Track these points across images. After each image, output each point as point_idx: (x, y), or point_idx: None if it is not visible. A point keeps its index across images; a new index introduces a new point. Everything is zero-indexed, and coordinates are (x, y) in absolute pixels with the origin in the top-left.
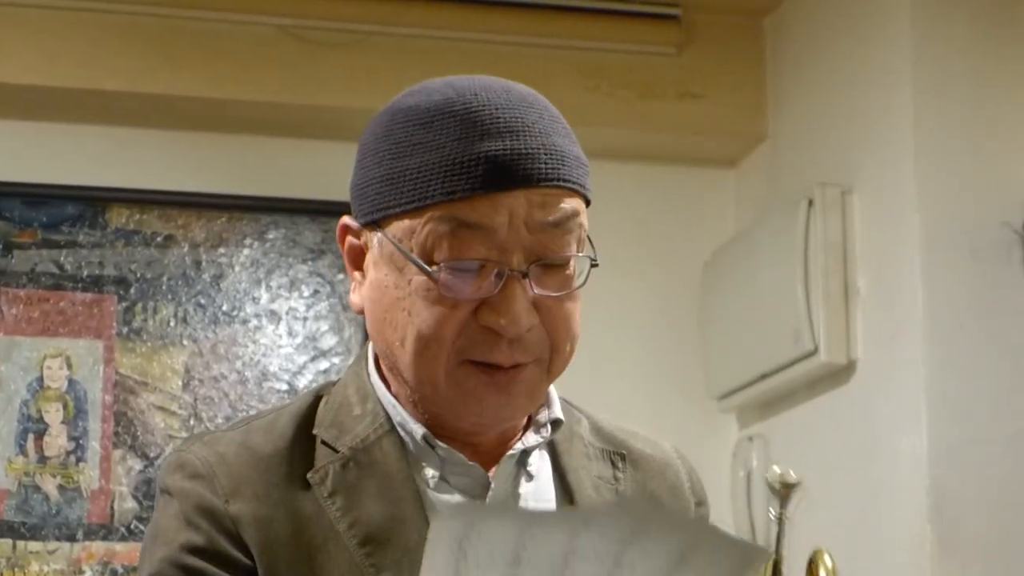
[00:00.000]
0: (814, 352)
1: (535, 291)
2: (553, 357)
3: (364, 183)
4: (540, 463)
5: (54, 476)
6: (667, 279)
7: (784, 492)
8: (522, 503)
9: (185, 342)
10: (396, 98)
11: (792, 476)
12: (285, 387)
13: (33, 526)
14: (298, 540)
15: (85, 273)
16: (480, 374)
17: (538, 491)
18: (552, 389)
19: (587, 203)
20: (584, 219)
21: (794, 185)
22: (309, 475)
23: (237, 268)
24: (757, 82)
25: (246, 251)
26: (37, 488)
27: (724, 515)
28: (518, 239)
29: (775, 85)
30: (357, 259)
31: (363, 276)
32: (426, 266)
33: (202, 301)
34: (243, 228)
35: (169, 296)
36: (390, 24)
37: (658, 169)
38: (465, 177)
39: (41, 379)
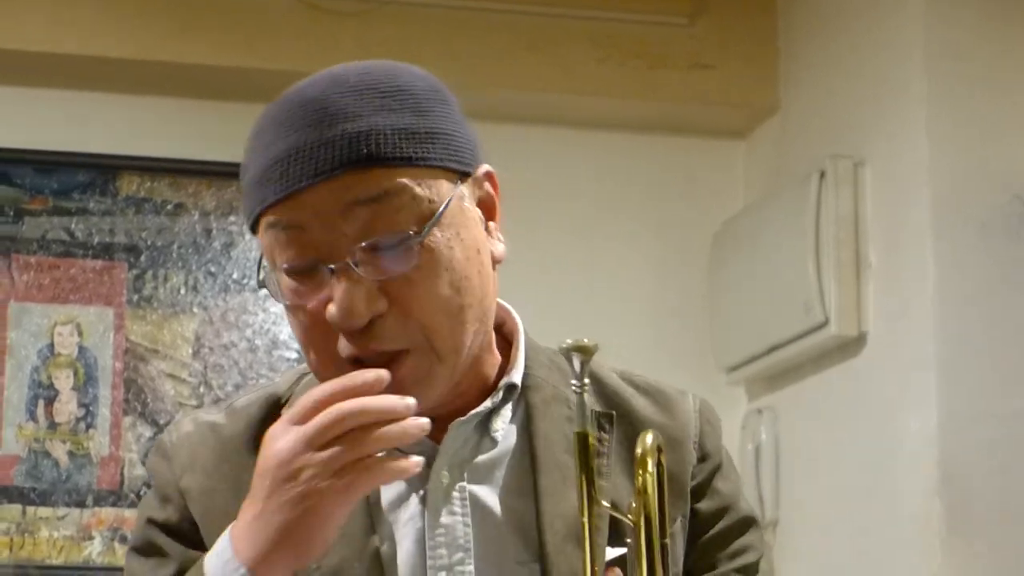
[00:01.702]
0: (824, 324)
1: (372, 276)
2: (430, 337)
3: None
4: (508, 428)
5: (64, 442)
6: (676, 251)
7: (582, 362)
8: (475, 469)
9: (195, 310)
10: None
11: (591, 345)
12: (295, 355)
13: (43, 492)
14: (236, 510)
15: (96, 240)
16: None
17: (497, 458)
18: (522, 351)
19: (457, 173)
20: (426, 191)
21: (806, 157)
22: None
23: (247, 236)
24: (769, 53)
25: None
26: (47, 454)
27: None
28: (334, 231)
29: (787, 56)
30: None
31: None
32: (274, 279)
33: (212, 269)
34: None
35: (179, 264)
36: None
37: (668, 140)
38: (270, 182)
39: (51, 346)
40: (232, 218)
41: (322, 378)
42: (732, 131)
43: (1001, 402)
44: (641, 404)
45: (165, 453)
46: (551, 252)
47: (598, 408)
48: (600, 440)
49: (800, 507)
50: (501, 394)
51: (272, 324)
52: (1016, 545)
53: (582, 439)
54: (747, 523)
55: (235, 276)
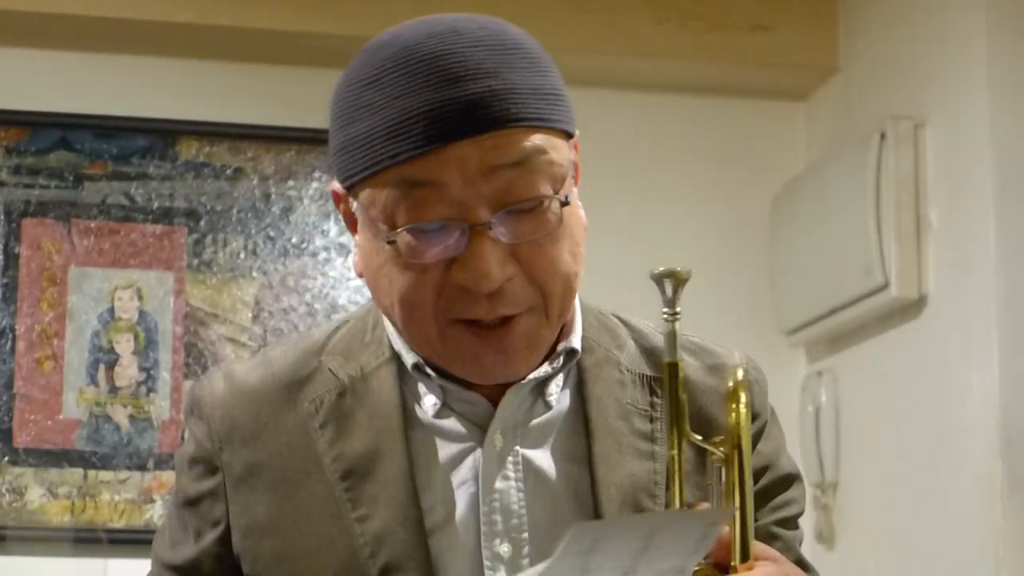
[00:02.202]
0: (885, 286)
1: (506, 239)
2: (547, 302)
3: (331, 151)
4: (561, 393)
5: (125, 406)
6: (737, 213)
7: (676, 289)
8: (528, 434)
9: (255, 274)
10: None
11: (683, 272)
12: None
13: (104, 456)
14: (279, 476)
15: (155, 205)
16: (471, 334)
17: (550, 422)
18: (578, 315)
19: (568, 136)
20: (557, 154)
21: (866, 118)
22: (306, 404)
23: (306, 201)
24: (829, 14)
25: (315, 184)
26: (108, 418)
27: (792, 448)
28: (476, 190)
29: (847, 17)
30: (352, 223)
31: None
32: (388, 233)
33: (271, 234)
34: (312, 161)
35: (239, 228)
36: None
37: (728, 102)
38: (407, 136)
39: (112, 310)
40: (291, 183)
41: (419, 336)
42: (792, 93)
43: None
44: (690, 365)
45: (202, 414)
46: (610, 216)
47: (648, 372)
48: (652, 405)
49: (860, 469)
50: (562, 359)
51: (331, 288)
52: None
53: (672, 368)
54: (789, 480)
55: (294, 240)
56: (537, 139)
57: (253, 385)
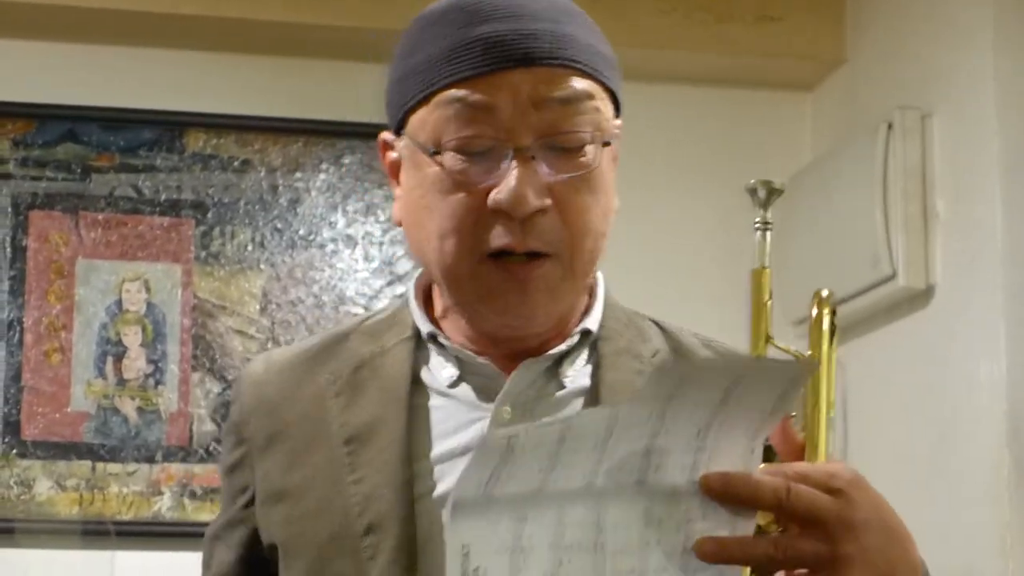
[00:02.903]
0: (892, 277)
1: (545, 172)
2: (573, 253)
3: (387, 90)
4: (577, 374)
5: (133, 399)
6: (743, 203)
7: (768, 197)
8: (539, 410)
9: (262, 266)
10: None
11: (777, 182)
12: (361, 311)
13: (112, 448)
14: (294, 444)
15: (163, 197)
16: (499, 270)
17: (561, 401)
18: (601, 296)
19: (615, 100)
20: (603, 107)
21: (873, 109)
22: (326, 375)
23: (313, 193)
24: (836, 4)
25: (322, 176)
26: (116, 410)
27: None
28: (524, 119)
29: (854, 7)
30: (396, 173)
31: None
32: (435, 148)
33: (279, 225)
34: (319, 153)
35: (246, 220)
36: None
37: (735, 93)
38: (466, 59)
39: (120, 302)
40: (298, 174)
41: (451, 271)
42: (799, 83)
43: None
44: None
45: (238, 390)
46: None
47: None
48: None
49: (868, 460)
50: (576, 339)
51: (338, 280)
52: None
53: (758, 276)
54: None
55: (301, 232)
56: (588, 85)
57: (283, 362)
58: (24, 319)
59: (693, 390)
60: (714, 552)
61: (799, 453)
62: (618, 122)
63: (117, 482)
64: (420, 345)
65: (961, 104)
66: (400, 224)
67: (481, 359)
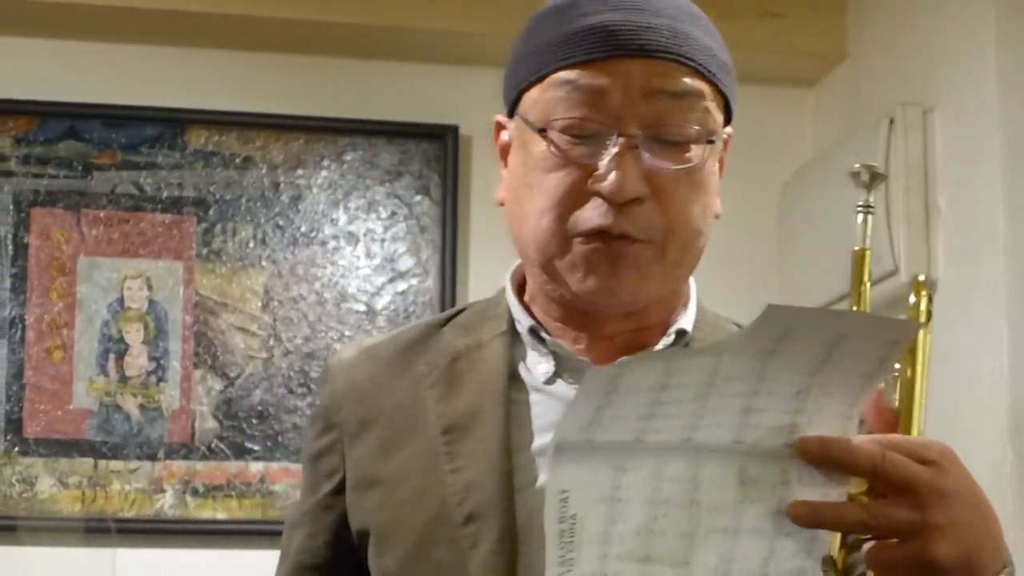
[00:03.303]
0: (894, 272)
1: (647, 161)
2: (668, 241)
3: (505, 72)
4: None
5: (135, 396)
6: (745, 200)
7: (871, 181)
8: None
9: (264, 263)
10: None
11: (879, 167)
12: (363, 308)
13: (115, 445)
14: (389, 432)
15: (164, 194)
16: (591, 248)
17: None
18: (693, 298)
19: (727, 104)
20: (713, 109)
21: (875, 105)
22: (422, 366)
23: (315, 190)
24: (837, 0)
25: (324, 173)
26: (118, 408)
27: None
28: (633, 107)
29: (856, 3)
30: (505, 155)
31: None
32: (540, 128)
33: (280, 223)
34: (321, 150)
35: (248, 217)
36: None
37: (738, 89)
38: (583, 44)
39: (122, 300)
40: (300, 171)
41: (544, 245)
42: (801, 79)
43: None
44: None
45: (327, 377)
46: None
47: None
48: None
49: None
50: (672, 338)
51: (340, 277)
52: None
53: (860, 256)
54: None
55: (303, 229)
56: (700, 84)
57: (376, 351)
58: (26, 316)
59: (795, 346)
60: (807, 515)
61: (891, 427)
62: (728, 129)
63: (119, 479)
64: (516, 339)
65: (963, 100)
66: (502, 204)
67: (579, 355)
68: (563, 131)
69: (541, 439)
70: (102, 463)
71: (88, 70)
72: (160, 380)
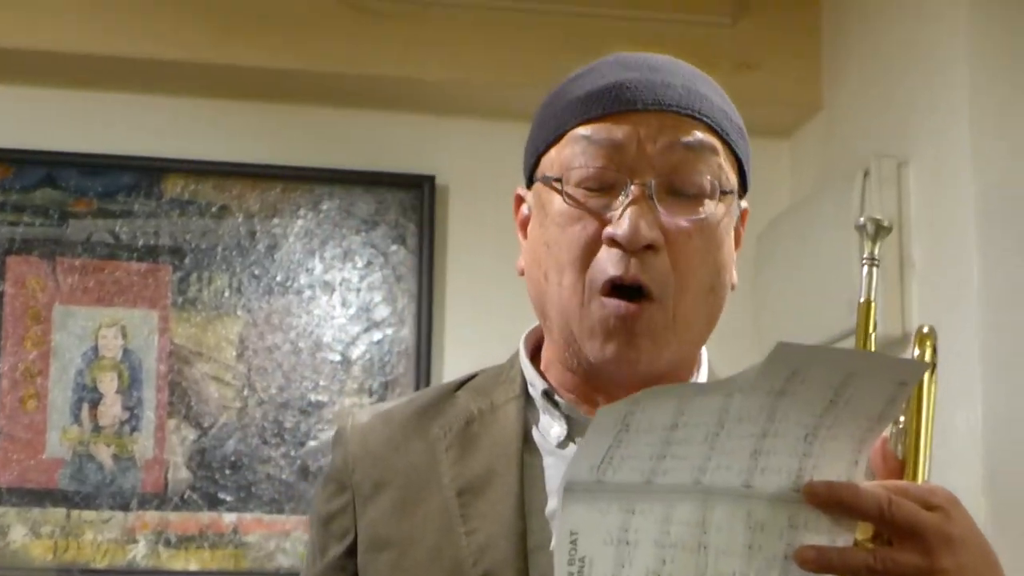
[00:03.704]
0: None
1: (661, 212)
2: (679, 298)
3: (525, 147)
4: None
5: (108, 445)
6: None
7: (877, 233)
8: None
9: (239, 312)
10: None
11: (885, 220)
12: (339, 357)
13: (87, 495)
14: (403, 494)
15: (140, 243)
16: (611, 305)
17: None
18: (705, 363)
19: (741, 167)
20: (727, 167)
21: (850, 156)
22: (436, 430)
23: (291, 238)
24: (813, 52)
25: (300, 221)
26: (91, 457)
27: None
28: (648, 158)
29: (831, 55)
30: (525, 227)
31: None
32: (557, 181)
33: (256, 271)
34: (297, 199)
35: (224, 266)
36: None
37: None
38: (599, 101)
39: (96, 348)
40: (276, 220)
41: (565, 304)
42: (776, 130)
43: None
44: None
45: (340, 439)
46: None
47: None
48: None
49: None
50: None
51: (315, 326)
52: None
53: (866, 307)
54: None
55: (279, 278)
56: (714, 140)
57: (391, 415)
58: (0, 365)
59: (804, 386)
60: (814, 560)
61: (896, 475)
62: (744, 203)
63: (92, 529)
64: (529, 403)
65: (937, 152)
66: (523, 274)
67: (591, 417)
68: (579, 183)
69: (553, 502)
70: (75, 513)
71: (65, 118)
72: (134, 429)
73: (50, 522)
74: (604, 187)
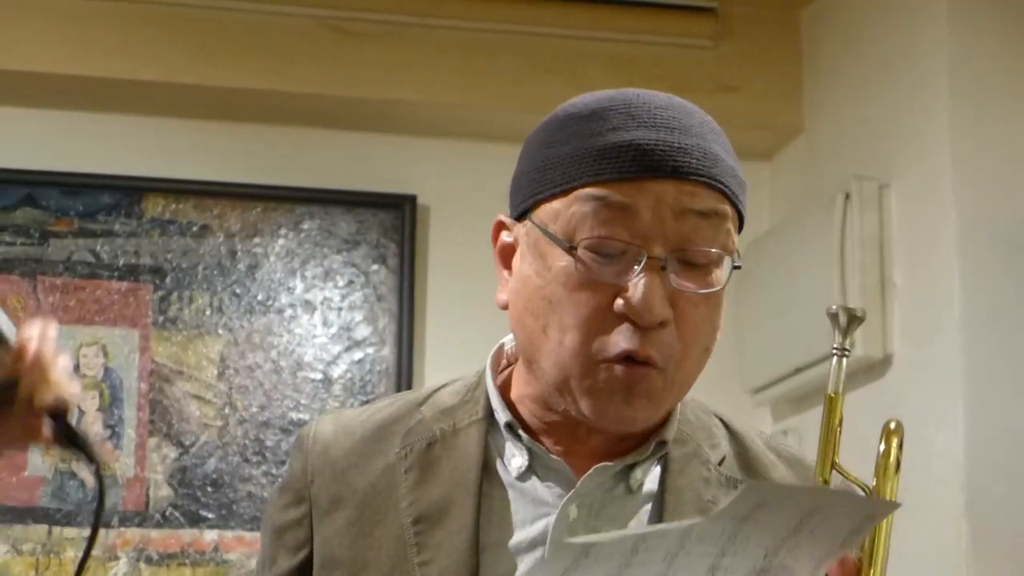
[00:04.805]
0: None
1: (674, 284)
2: (678, 365)
3: (519, 175)
4: (646, 478)
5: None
6: None
7: (849, 324)
8: (605, 512)
9: (220, 331)
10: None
11: (858, 310)
12: (319, 376)
13: (68, 513)
14: (360, 513)
15: (121, 262)
16: (617, 372)
17: (629, 505)
18: (678, 407)
19: (740, 221)
20: (732, 228)
21: (830, 179)
22: (398, 449)
23: (272, 258)
24: (793, 75)
25: (281, 241)
26: (72, 475)
27: None
28: (662, 227)
29: (812, 78)
30: (507, 257)
31: (510, 274)
32: (567, 245)
33: (237, 291)
34: (278, 218)
35: (204, 285)
36: (427, 16)
37: None
38: (615, 161)
39: (77, 367)
40: (257, 240)
41: (565, 366)
42: (757, 153)
43: None
44: (781, 474)
45: (301, 447)
46: None
47: (737, 476)
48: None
49: None
50: (651, 449)
51: (296, 345)
52: None
53: (832, 401)
54: None
55: (260, 297)
56: (724, 206)
57: (353, 426)
58: None
59: (769, 516)
60: None
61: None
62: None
63: (73, 547)
64: (494, 427)
65: (918, 175)
66: (505, 308)
67: (554, 456)
68: (589, 249)
69: (508, 537)
70: (56, 530)
71: (45, 137)
72: (115, 448)
73: (31, 539)
74: (616, 253)
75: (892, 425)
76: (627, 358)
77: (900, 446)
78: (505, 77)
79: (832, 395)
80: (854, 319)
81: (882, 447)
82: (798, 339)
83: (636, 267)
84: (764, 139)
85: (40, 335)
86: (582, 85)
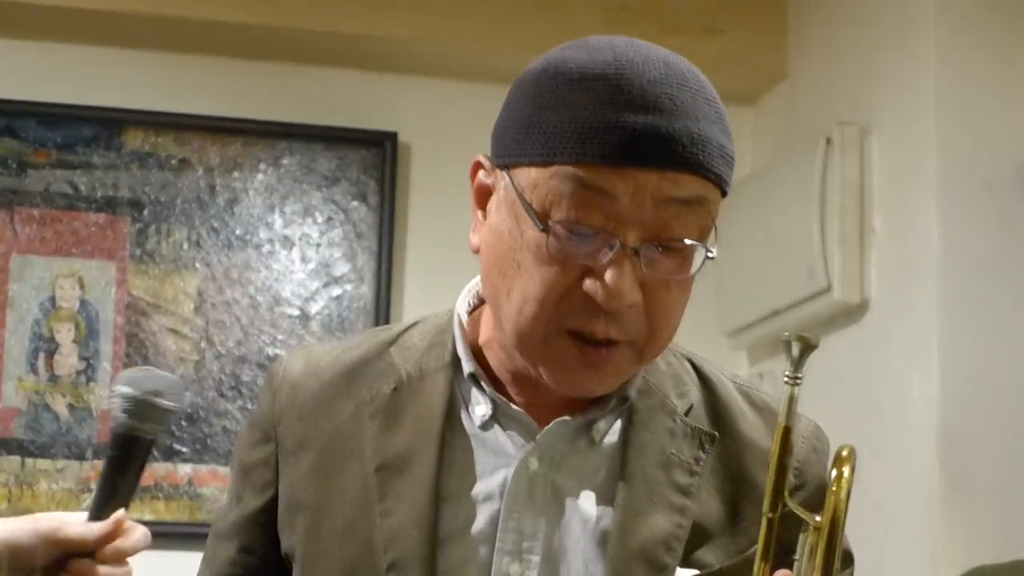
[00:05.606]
0: (827, 290)
1: (644, 271)
2: (648, 342)
3: (503, 126)
4: (609, 432)
5: (64, 395)
6: None
7: (802, 353)
8: (565, 465)
9: (198, 266)
10: (555, 49)
11: (812, 338)
12: (297, 312)
13: (42, 444)
14: (325, 458)
15: (99, 194)
16: (575, 349)
17: (590, 458)
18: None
19: (723, 195)
20: (714, 209)
21: (813, 123)
22: (364, 392)
23: (251, 193)
24: (778, 19)
25: (260, 176)
26: (47, 407)
27: None
28: (639, 214)
29: (796, 22)
30: (483, 198)
31: (485, 217)
32: (540, 222)
33: (215, 225)
34: (258, 153)
35: (183, 219)
36: None
37: None
38: (599, 142)
39: (53, 299)
40: (236, 174)
41: (523, 334)
42: (741, 96)
43: (1004, 369)
44: (749, 423)
45: (271, 385)
46: None
47: (704, 427)
48: (696, 460)
49: None
50: (612, 403)
51: (274, 281)
52: (1017, 512)
53: (785, 432)
54: (848, 558)
55: (238, 232)
56: (708, 191)
57: (323, 366)
58: None
59: None
60: None
61: None
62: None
63: (46, 479)
64: (459, 372)
65: (900, 120)
66: (477, 251)
67: (516, 407)
68: (563, 223)
69: (468, 488)
70: (29, 462)
71: (24, 68)
72: (90, 380)
73: (4, 471)
74: (589, 233)
75: (844, 452)
76: (587, 337)
77: (852, 471)
78: (491, 15)
79: (783, 426)
80: (807, 348)
81: (833, 473)
82: (776, 282)
83: (608, 250)
84: (748, 83)
85: (133, 542)
86: (570, 26)
